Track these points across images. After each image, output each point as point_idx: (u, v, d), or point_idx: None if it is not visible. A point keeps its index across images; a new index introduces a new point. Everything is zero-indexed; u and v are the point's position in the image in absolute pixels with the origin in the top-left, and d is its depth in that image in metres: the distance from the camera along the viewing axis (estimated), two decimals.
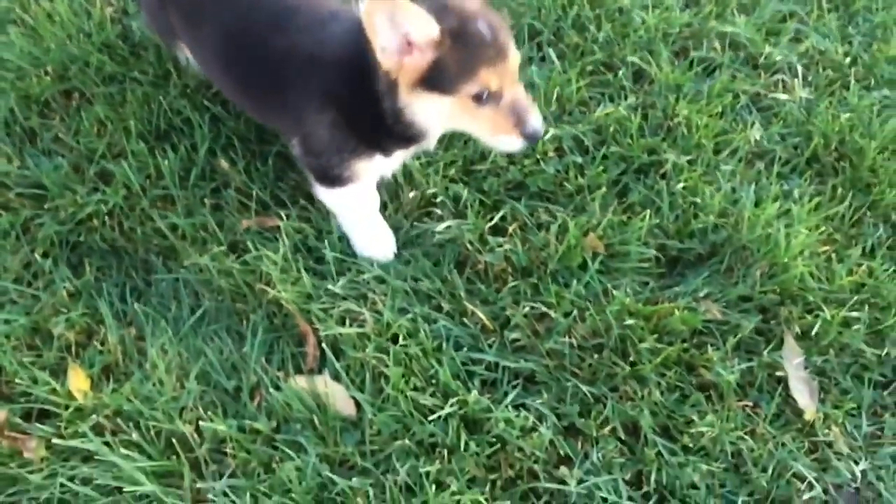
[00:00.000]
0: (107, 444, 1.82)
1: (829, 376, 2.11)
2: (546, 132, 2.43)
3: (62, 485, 1.78)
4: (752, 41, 2.83)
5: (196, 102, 2.47)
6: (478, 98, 1.77)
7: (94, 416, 1.87)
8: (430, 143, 2.04)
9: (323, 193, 2.13)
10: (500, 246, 2.22)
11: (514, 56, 1.79)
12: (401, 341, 2.00)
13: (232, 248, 2.20)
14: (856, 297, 2.18)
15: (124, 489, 1.76)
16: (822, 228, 2.31)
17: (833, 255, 2.28)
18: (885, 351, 2.12)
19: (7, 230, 2.21)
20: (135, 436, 1.83)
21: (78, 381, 1.93)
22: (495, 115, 1.81)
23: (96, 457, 1.81)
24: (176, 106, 2.45)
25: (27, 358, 1.97)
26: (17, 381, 1.91)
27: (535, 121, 1.83)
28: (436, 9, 1.71)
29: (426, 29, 1.66)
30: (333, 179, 2.06)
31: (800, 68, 2.75)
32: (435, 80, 1.75)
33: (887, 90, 2.73)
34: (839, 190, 2.43)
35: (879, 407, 2.10)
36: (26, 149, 2.39)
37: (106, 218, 2.24)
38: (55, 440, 1.82)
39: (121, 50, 2.62)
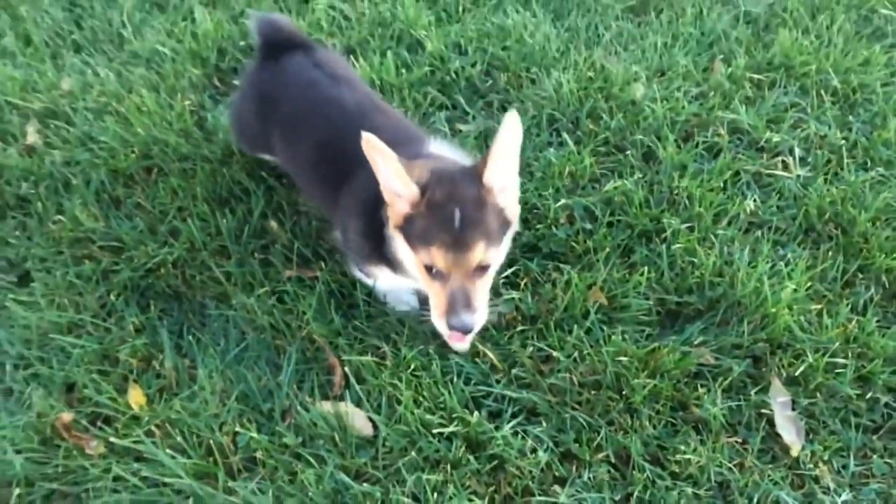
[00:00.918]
0: (155, 445, 2.10)
1: (817, 419, 2.24)
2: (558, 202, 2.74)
3: (115, 477, 2.05)
4: (754, 127, 3.09)
5: (254, 175, 2.88)
6: (427, 269, 1.90)
7: (147, 423, 2.16)
8: (418, 281, 2.08)
9: (356, 272, 2.45)
10: (513, 298, 2.47)
11: (476, 254, 1.85)
12: (414, 372, 2.25)
13: (275, 292, 2.52)
14: (839, 345, 2.33)
15: (166, 482, 2.02)
16: (811, 285, 2.49)
17: (824, 312, 2.45)
18: (869, 394, 2.25)
19: (90, 276, 2.60)
20: (179, 439, 2.11)
21: (136, 396, 2.23)
22: (440, 292, 1.91)
23: (145, 455, 2.09)
24: (237, 178, 2.86)
25: (95, 376, 2.29)
26: (85, 392, 2.23)
27: (465, 318, 1.87)
28: (440, 177, 1.88)
29: (406, 188, 1.85)
30: (360, 270, 2.38)
31: (798, 150, 2.99)
32: (406, 230, 1.91)
33: (882, 169, 2.93)
34: (831, 253, 2.62)
35: (869, 450, 2.21)
36: (111, 212, 2.81)
37: (171, 267, 2.61)
38: (113, 439, 2.11)
39: (196, 135, 3.08)
